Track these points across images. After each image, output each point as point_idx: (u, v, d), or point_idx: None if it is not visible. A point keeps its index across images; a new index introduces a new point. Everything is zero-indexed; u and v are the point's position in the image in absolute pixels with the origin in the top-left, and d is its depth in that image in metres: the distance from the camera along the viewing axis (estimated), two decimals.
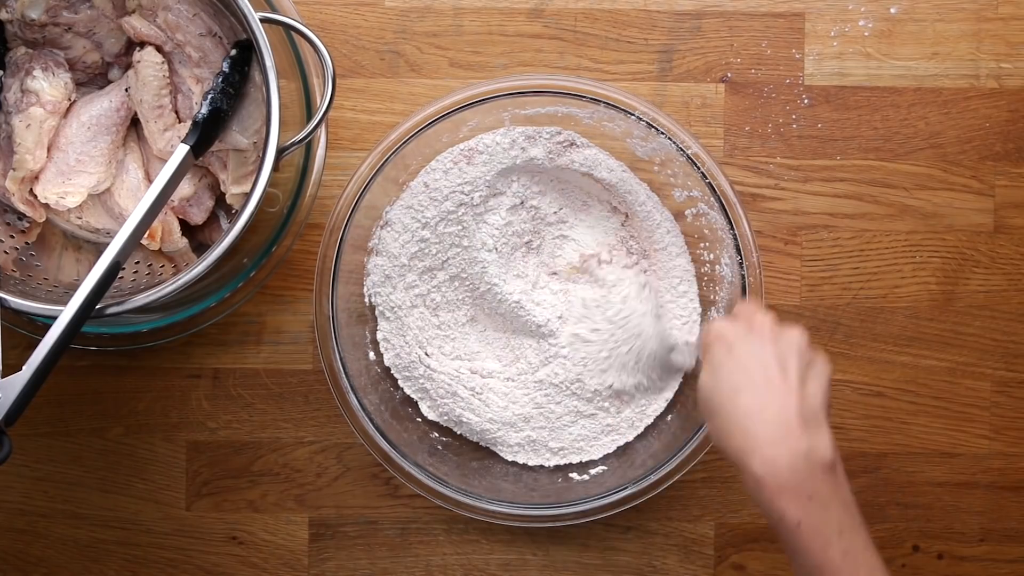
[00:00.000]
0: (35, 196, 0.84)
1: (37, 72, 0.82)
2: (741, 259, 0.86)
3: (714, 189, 0.86)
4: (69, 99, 0.84)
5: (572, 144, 0.89)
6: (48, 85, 0.82)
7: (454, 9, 0.92)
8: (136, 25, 0.83)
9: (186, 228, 0.87)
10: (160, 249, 0.86)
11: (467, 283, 0.90)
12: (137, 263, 0.88)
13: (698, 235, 0.90)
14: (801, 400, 0.68)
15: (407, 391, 0.91)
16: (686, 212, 0.90)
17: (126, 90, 0.84)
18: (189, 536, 0.93)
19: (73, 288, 0.85)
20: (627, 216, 0.91)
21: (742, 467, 0.67)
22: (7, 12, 0.83)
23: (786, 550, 0.67)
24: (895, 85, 0.92)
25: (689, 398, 0.90)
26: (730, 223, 0.86)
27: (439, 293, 0.90)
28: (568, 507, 0.87)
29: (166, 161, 0.85)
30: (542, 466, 0.91)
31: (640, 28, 0.92)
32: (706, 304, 0.91)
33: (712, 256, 0.89)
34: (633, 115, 0.86)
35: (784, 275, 0.92)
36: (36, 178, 0.84)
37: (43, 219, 0.86)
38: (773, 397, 0.68)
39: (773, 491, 0.66)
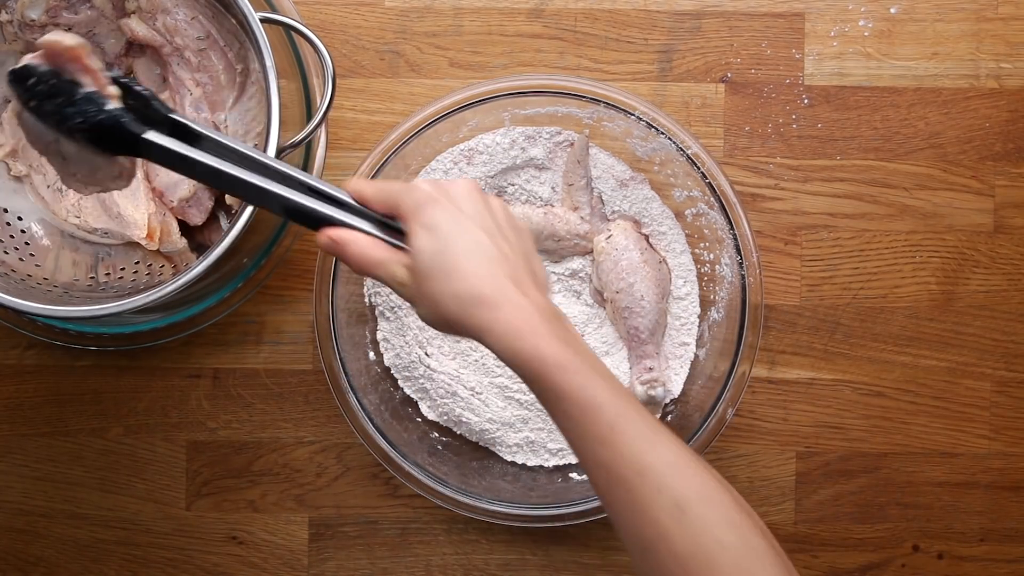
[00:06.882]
0: None
1: None
2: (741, 259, 0.86)
3: (714, 189, 0.86)
4: None
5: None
6: None
7: (454, 9, 0.92)
8: (135, 28, 0.83)
9: (185, 228, 0.87)
10: (159, 249, 0.86)
11: None
12: (137, 263, 0.88)
13: (698, 235, 0.90)
14: (517, 261, 0.67)
15: (407, 391, 0.91)
16: (686, 212, 0.90)
17: None
18: (189, 536, 0.93)
19: (72, 288, 0.86)
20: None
21: (490, 324, 0.64)
22: (7, 13, 0.83)
23: (548, 402, 0.64)
24: (895, 85, 0.92)
25: (688, 397, 0.90)
26: (730, 223, 0.86)
27: None
28: (568, 507, 0.87)
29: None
30: (541, 466, 0.91)
31: (640, 28, 0.92)
32: (706, 304, 0.91)
33: (712, 256, 0.89)
34: (633, 115, 0.86)
35: (784, 275, 0.92)
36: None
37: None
38: (498, 259, 0.66)
39: (531, 335, 0.63)
